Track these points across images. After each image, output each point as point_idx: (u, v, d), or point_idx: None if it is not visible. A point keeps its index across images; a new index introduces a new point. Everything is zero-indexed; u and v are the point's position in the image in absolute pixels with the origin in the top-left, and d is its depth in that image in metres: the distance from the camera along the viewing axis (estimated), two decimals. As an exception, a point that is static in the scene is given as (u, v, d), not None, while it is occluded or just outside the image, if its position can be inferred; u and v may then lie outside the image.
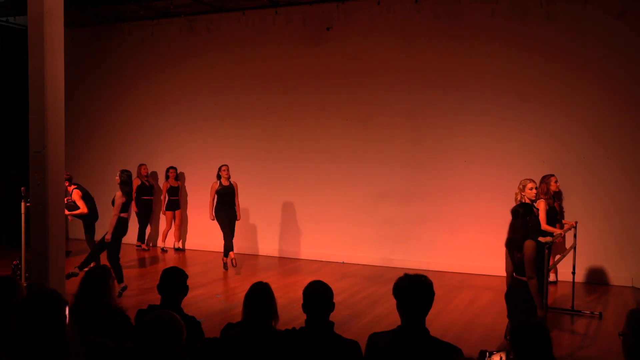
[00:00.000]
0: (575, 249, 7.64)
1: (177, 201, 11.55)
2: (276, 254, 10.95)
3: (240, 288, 8.35)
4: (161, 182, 11.86)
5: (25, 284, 3.86)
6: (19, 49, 7.34)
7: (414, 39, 9.96)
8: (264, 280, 3.64)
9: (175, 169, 11.49)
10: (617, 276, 8.95)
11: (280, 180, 10.98)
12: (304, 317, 3.38)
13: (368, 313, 7.36)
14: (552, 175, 7.25)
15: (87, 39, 12.46)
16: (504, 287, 6.97)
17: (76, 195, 9.25)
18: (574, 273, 7.64)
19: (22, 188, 7.57)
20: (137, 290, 8.21)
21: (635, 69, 8.81)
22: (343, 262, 10.44)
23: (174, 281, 3.89)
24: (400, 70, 10.07)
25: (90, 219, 9.55)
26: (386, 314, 7.17)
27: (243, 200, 11.32)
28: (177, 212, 11.57)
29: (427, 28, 9.86)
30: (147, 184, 11.51)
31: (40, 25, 5.40)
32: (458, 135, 9.74)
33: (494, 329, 6.69)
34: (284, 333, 3.41)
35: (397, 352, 3.03)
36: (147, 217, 11.64)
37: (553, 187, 7.14)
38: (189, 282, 3.97)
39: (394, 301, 3.12)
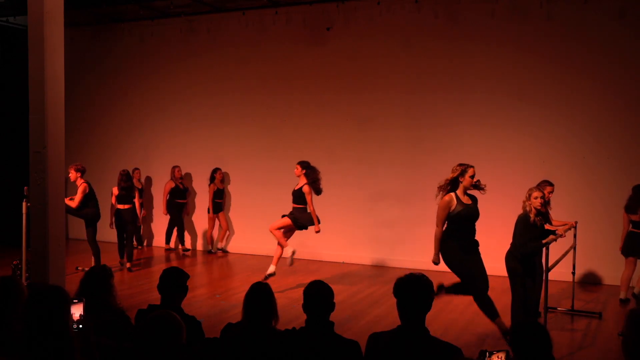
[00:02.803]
0: (575, 249, 7.64)
1: (221, 204, 11.17)
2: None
3: (240, 288, 8.35)
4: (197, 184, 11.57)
5: (25, 284, 3.86)
6: (19, 49, 7.35)
7: (414, 39, 9.96)
8: (264, 280, 3.64)
9: (220, 169, 11.09)
10: (617, 276, 8.92)
11: (280, 180, 10.96)
12: (304, 317, 3.38)
13: (368, 313, 7.36)
14: (549, 185, 7.29)
15: (87, 39, 12.46)
16: (504, 287, 7.01)
17: (81, 188, 9.08)
18: (574, 273, 7.64)
19: (25, 188, 7.53)
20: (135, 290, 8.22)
21: (636, 69, 8.81)
22: (343, 262, 10.44)
23: (174, 281, 3.89)
24: (400, 70, 10.07)
25: (92, 219, 9.40)
26: (386, 314, 7.18)
27: (243, 201, 11.30)
28: (222, 214, 11.20)
29: (427, 28, 9.86)
30: (181, 186, 11.21)
31: (40, 25, 5.39)
32: (458, 135, 9.74)
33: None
34: (284, 333, 3.41)
35: (397, 352, 3.03)
36: (179, 220, 11.30)
37: (545, 196, 7.20)
38: (189, 282, 3.97)
39: (394, 301, 3.13)
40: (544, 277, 6.23)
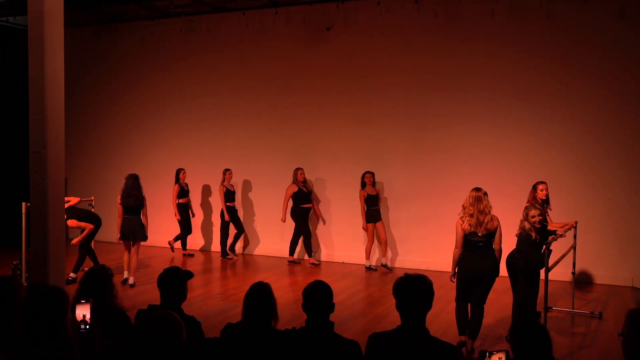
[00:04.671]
0: (575, 249, 7.64)
1: (377, 211, 9.85)
2: (276, 254, 10.94)
3: (240, 288, 8.35)
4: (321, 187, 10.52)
5: (25, 284, 3.86)
6: (19, 49, 7.35)
7: (414, 39, 9.96)
8: (264, 280, 3.64)
9: (372, 173, 9.82)
10: (617, 276, 8.95)
11: (280, 180, 10.96)
12: (304, 317, 3.38)
13: (368, 313, 7.36)
14: (541, 183, 7.28)
15: (87, 39, 12.46)
16: (504, 287, 7.00)
17: (75, 199, 9.02)
18: (574, 273, 7.64)
19: None
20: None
21: (635, 69, 8.81)
22: (343, 262, 10.44)
23: (173, 281, 3.88)
24: (400, 70, 10.07)
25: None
26: (386, 314, 7.18)
27: (242, 201, 11.31)
28: (379, 224, 9.82)
29: (427, 28, 9.85)
30: (304, 190, 10.14)
31: (40, 25, 5.39)
32: (458, 135, 9.75)
33: (493, 329, 6.70)
34: (284, 333, 3.41)
35: (397, 352, 3.02)
36: (306, 226, 10.24)
37: (540, 195, 7.21)
38: (189, 282, 3.97)
39: (394, 301, 3.12)
40: (543, 277, 6.26)
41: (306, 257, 10.35)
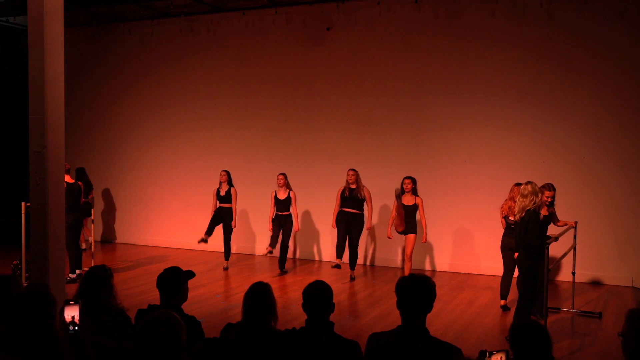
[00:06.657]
0: (575, 249, 7.64)
1: (408, 223, 8.59)
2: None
3: (240, 288, 8.35)
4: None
5: (25, 284, 3.85)
6: (19, 49, 7.35)
7: (414, 40, 9.96)
8: (264, 281, 3.64)
9: (412, 179, 8.67)
10: (617, 276, 8.95)
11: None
12: (304, 317, 3.38)
13: (368, 313, 7.36)
14: (548, 190, 7.25)
15: (87, 39, 12.46)
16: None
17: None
18: (574, 273, 7.64)
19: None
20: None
21: (635, 69, 8.81)
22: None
23: (172, 281, 3.87)
24: (400, 71, 10.07)
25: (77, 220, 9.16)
26: (386, 314, 7.18)
27: (243, 201, 11.33)
28: (409, 237, 8.66)
29: (427, 28, 9.85)
30: (346, 193, 9.11)
31: (40, 25, 5.39)
32: (458, 135, 9.74)
33: (494, 329, 6.70)
34: (284, 333, 3.41)
35: (397, 352, 3.02)
36: (340, 230, 9.19)
37: (542, 198, 7.23)
38: (189, 282, 3.97)
39: (394, 301, 3.12)
40: (544, 277, 6.26)
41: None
